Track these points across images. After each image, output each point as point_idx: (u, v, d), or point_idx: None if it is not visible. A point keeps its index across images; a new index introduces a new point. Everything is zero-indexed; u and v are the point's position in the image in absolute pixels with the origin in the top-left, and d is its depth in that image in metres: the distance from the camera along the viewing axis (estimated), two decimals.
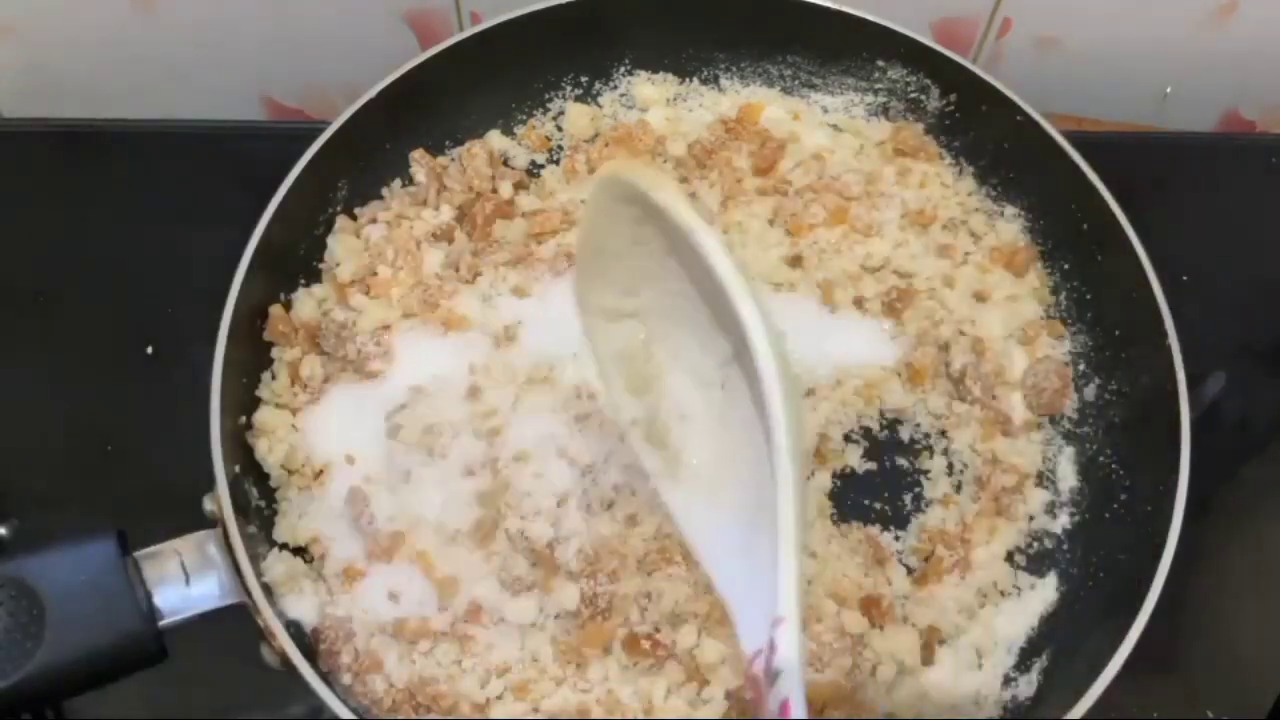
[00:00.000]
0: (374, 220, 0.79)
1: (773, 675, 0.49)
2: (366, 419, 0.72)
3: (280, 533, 0.69)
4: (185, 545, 0.61)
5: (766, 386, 0.49)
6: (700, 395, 0.58)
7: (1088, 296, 0.81)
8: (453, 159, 0.84)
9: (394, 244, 0.78)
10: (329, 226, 0.79)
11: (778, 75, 0.90)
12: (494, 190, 0.82)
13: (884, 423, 0.77)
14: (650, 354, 0.59)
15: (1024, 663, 0.70)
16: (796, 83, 0.89)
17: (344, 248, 0.78)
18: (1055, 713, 0.62)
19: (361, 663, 0.64)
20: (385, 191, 0.82)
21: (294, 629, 0.63)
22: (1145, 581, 0.65)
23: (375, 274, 0.77)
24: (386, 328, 0.75)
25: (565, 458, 0.70)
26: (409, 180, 0.83)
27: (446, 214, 0.80)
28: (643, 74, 0.89)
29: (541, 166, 0.86)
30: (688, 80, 0.90)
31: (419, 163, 0.82)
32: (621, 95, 0.89)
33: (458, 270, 0.78)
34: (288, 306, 0.76)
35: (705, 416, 0.58)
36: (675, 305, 0.56)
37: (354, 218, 0.80)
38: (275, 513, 0.70)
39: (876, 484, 0.75)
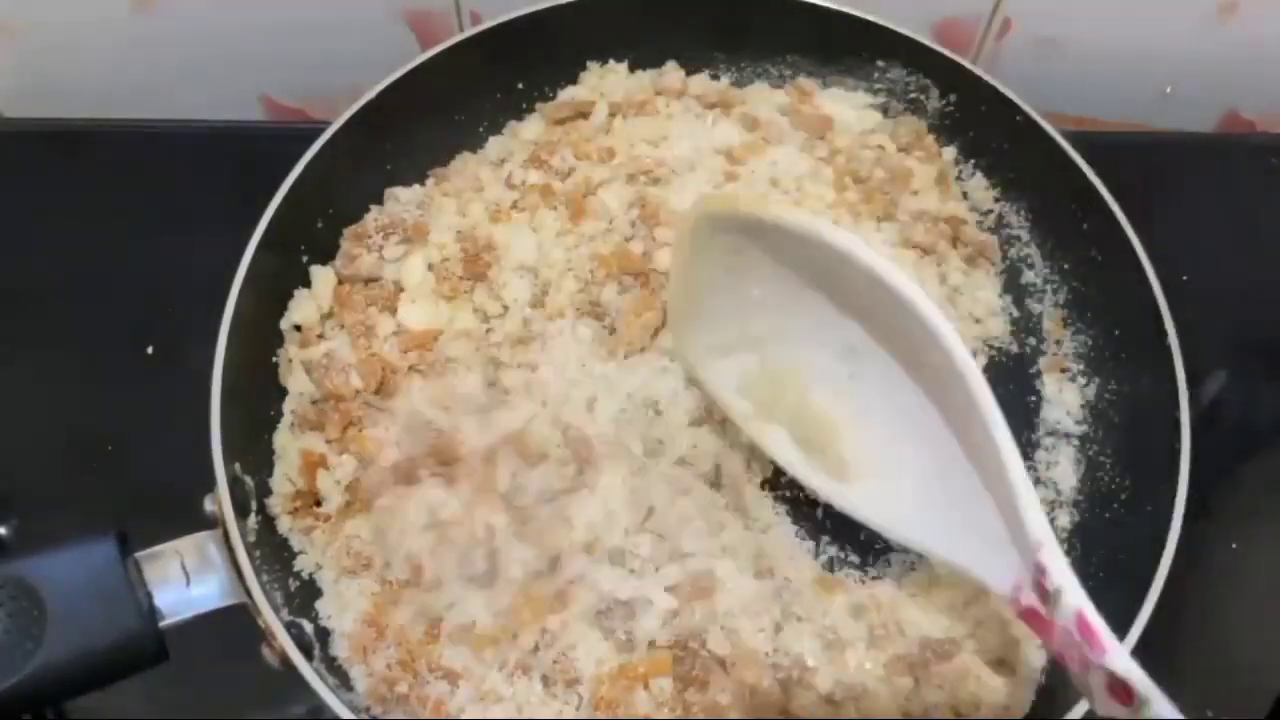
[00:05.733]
0: None
1: (1053, 595, 0.50)
2: None
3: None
4: (186, 546, 0.61)
5: (972, 384, 0.51)
6: (835, 395, 0.57)
7: (1088, 296, 0.81)
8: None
9: None
10: (329, 226, 0.79)
11: (777, 75, 0.90)
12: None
13: None
14: (772, 375, 0.58)
15: None
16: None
17: None
18: (1055, 713, 0.62)
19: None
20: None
21: (294, 630, 0.63)
22: (1145, 581, 0.65)
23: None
24: None
25: None
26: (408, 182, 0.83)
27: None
28: None
29: None
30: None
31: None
32: None
33: None
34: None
35: (850, 411, 0.57)
36: (785, 319, 0.56)
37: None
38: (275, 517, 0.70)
39: None
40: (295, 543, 0.70)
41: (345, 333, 0.75)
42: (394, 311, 0.76)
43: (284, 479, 0.70)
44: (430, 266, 0.78)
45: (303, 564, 0.69)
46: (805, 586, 0.68)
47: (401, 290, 0.77)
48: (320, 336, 0.76)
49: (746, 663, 0.64)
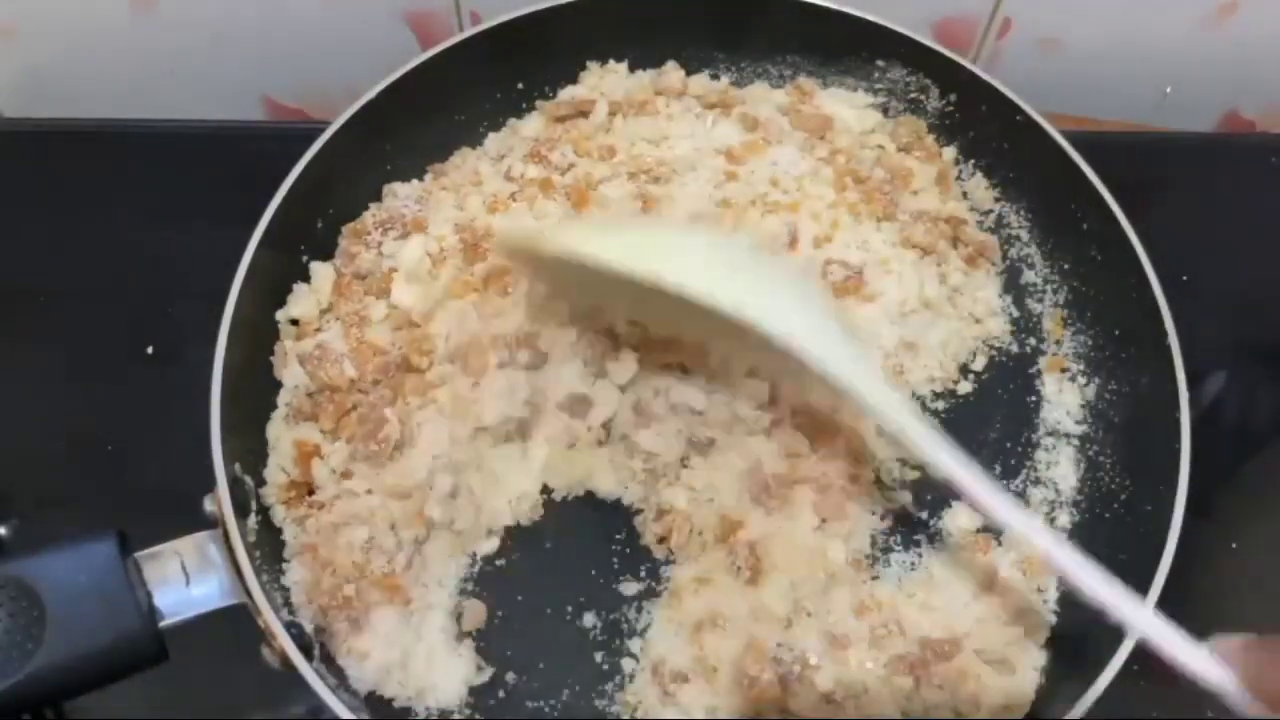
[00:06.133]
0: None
1: None
2: None
3: None
4: (185, 546, 0.61)
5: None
6: None
7: (1088, 296, 0.81)
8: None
9: None
10: (329, 226, 0.79)
11: (777, 75, 0.90)
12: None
13: None
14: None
15: None
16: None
17: None
18: (1055, 713, 0.62)
19: None
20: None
21: (294, 630, 0.63)
22: (1145, 582, 0.65)
23: None
24: None
25: None
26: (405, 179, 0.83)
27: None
28: None
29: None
30: None
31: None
32: None
33: None
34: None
35: None
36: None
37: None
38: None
39: None
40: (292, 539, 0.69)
41: (339, 323, 0.75)
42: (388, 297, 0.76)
43: (278, 469, 0.70)
44: (428, 255, 0.78)
45: None
46: (813, 582, 0.69)
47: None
48: (317, 330, 0.76)
49: (753, 653, 0.64)
